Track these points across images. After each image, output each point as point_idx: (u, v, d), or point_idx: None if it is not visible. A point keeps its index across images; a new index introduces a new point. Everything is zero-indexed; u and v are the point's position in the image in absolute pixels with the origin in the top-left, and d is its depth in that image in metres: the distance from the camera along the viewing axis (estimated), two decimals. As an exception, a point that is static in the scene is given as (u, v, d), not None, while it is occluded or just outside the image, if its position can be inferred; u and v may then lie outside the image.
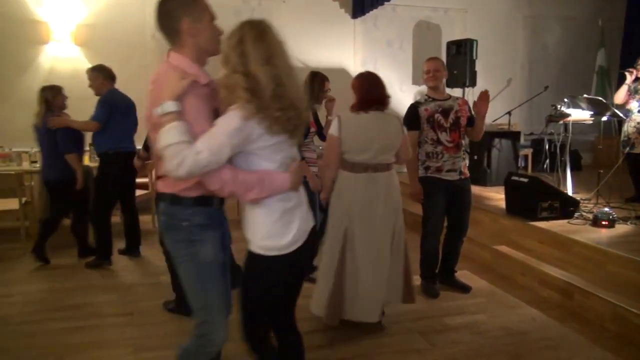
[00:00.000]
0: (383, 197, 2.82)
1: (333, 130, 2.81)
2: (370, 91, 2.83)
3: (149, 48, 6.27)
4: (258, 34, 1.60)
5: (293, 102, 1.64)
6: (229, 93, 1.60)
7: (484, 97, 3.29)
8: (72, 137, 4.05)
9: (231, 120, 1.56)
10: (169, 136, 1.51)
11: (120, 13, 6.17)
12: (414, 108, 3.41)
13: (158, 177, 1.80)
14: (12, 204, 4.62)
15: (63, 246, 4.77)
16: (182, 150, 1.50)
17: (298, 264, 1.79)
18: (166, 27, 1.67)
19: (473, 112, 3.42)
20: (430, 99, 3.40)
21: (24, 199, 4.65)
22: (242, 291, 1.80)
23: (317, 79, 3.76)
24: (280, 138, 1.64)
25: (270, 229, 1.70)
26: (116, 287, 3.71)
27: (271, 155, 1.66)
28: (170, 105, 1.54)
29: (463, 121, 3.39)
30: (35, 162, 5.21)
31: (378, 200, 2.81)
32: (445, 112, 3.36)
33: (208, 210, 1.75)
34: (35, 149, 5.34)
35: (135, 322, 3.15)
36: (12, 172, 4.57)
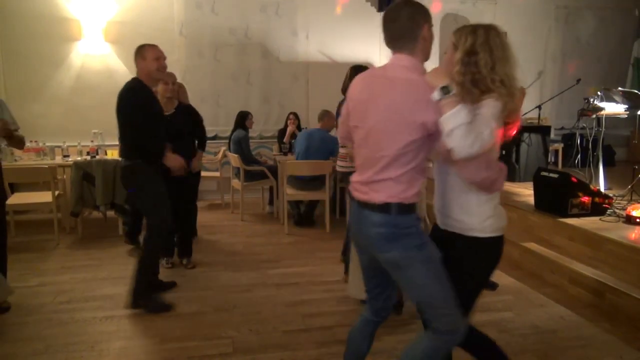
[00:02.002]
0: None
1: None
2: None
3: (177, 45, 6.37)
4: (503, 39, 1.73)
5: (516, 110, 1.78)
6: (470, 86, 1.70)
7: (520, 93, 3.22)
8: None
9: (496, 106, 1.65)
10: (459, 117, 1.55)
11: (150, 10, 6.27)
12: None
13: (364, 183, 1.79)
14: (46, 196, 4.76)
15: (96, 238, 4.91)
16: (471, 129, 1.56)
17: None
18: (407, 30, 1.71)
19: None
20: None
21: (56, 192, 4.79)
22: (461, 283, 1.80)
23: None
24: None
25: (494, 211, 1.80)
26: (144, 279, 3.79)
27: None
28: (452, 89, 1.59)
29: None
30: (67, 156, 5.37)
31: None
32: None
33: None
34: (67, 143, 5.52)
35: (162, 313, 3.21)
36: (46, 166, 4.71)
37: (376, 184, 1.75)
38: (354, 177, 1.86)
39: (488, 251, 1.84)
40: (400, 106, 1.66)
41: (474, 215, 1.79)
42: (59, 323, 3.05)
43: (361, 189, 1.80)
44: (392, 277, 1.85)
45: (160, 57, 3.24)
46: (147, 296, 3.24)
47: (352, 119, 1.86)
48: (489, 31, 1.72)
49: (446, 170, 1.82)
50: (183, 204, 4.01)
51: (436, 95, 1.59)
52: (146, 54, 3.21)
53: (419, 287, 1.78)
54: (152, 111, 3.25)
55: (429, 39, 1.75)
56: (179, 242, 4.13)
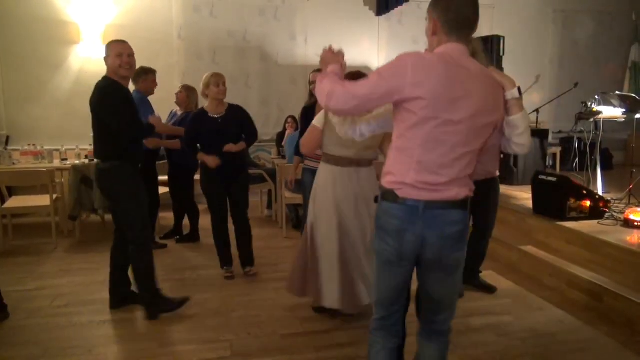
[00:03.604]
0: (366, 190, 2.92)
1: (317, 122, 2.92)
2: None
3: (176, 47, 6.38)
4: None
5: None
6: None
7: None
8: None
9: None
10: (527, 118, 1.84)
11: (148, 14, 6.28)
12: None
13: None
14: (44, 200, 4.75)
15: (94, 241, 4.90)
16: None
17: None
18: (475, 21, 1.73)
19: None
20: None
21: (55, 196, 4.77)
22: None
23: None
24: None
25: None
26: (142, 282, 3.78)
27: None
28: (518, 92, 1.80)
29: None
30: (66, 159, 5.36)
31: (362, 193, 2.92)
32: None
33: None
34: (65, 146, 5.51)
35: (160, 316, 3.20)
36: (44, 169, 4.70)
37: (461, 180, 1.69)
38: (417, 177, 1.64)
39: None
40: (489, 101, 1.66)
41: None
42: (56, 327, 3.04)
43: (434, 188, 1.65)
44: (438, 281, 1.79)
45: (123, 53, 2.99)
46: (157, 302, 3.18)
47: (431, 110, 1.59)
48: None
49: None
50: (235, 206, 3.93)
51: (515, 93, 1.76)
52: (109, 51, 3.00)
53: (458, 285, 1.86)
54: (133, 108, 3.07)
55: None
56: (240, 249, 3.98)
